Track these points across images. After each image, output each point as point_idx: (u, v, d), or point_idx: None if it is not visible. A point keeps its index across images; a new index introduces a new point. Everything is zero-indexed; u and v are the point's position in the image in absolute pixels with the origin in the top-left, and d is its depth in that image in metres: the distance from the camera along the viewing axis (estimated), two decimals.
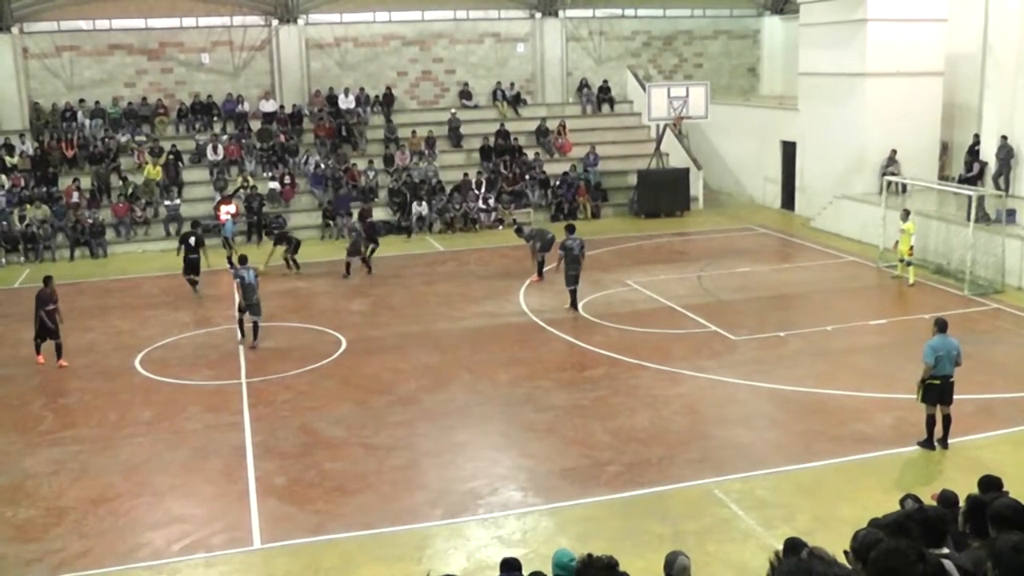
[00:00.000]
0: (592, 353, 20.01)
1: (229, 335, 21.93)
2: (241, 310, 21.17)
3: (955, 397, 14.52)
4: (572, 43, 41.88)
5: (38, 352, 20.40)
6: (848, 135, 31.46)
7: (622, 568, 6.86)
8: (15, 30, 35.43)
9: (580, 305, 22.96)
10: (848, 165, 31.61)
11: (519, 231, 27.93)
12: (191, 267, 25.90)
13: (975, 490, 8.19)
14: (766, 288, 24.98)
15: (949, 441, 14.62)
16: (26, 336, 22.36)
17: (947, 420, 14.58)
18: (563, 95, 41.66)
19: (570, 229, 23.61)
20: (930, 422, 14.57)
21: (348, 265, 27.30)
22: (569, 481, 14.06)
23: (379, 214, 34.11)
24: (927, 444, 14.61)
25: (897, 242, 24.78)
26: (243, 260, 21.71)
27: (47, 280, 20.90)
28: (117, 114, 36.22)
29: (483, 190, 34.89)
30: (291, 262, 28.03)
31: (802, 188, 34.70)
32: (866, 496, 12.83)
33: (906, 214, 24.62)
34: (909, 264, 24.62)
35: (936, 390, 14.39)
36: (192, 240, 26.09)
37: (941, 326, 14.59)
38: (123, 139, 35.43)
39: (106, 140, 35.18)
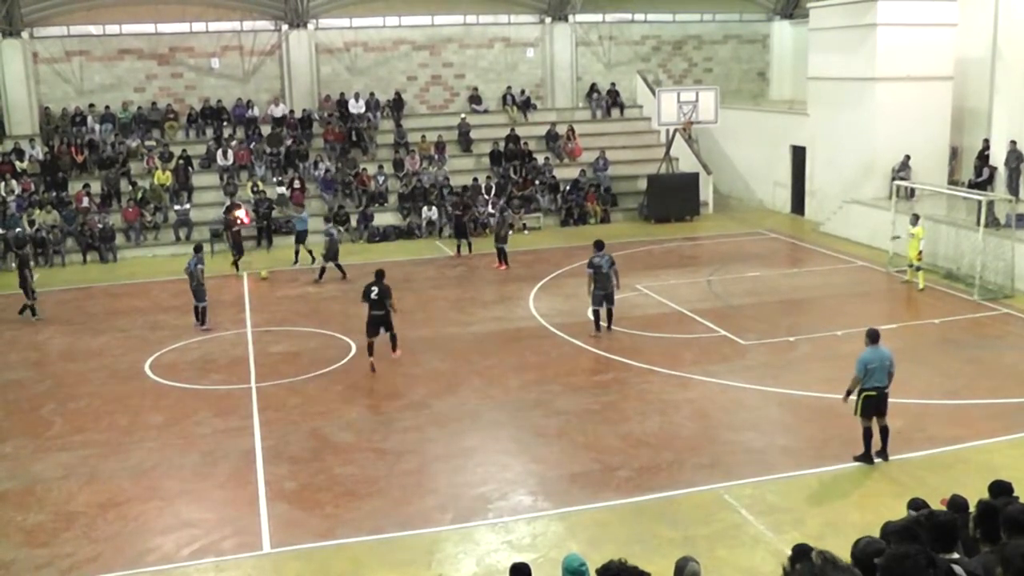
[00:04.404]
0: (602, 358, 20.00)
1: (238, 339, 22.00)
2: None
3: (967, 402, 14.49)
4: (582, 48, 41.91)
5: (371, 352, 19.47)
6: (858, 139, 31.41)
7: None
8: (25, 35, 35.58)
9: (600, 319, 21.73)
10: (858, 169, 31.55)
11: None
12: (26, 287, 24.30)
13: (986, 495, 8.17)
14: (776, 292, 24.93)
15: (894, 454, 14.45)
16: (37, 339, 22.52)
17: (884, 431, 14.35)
18: (573, 100, 41.68)
19: (598, 245, 21.45)
20: (867, 435, 14.29)
21: (325, 269, 27.57)
22: (579, 486, 14.04)
23: (388, 218, 34.26)
24: (864, 458, 14.35)
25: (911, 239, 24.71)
26: (198, 248, 23.54)
27: (382, 273, 20.00)
28: (127, 119, 36.32)
29: (493, 195, 34.90)
30: (235, 266, 28.87)
31: (812, 192, 34.64)
32: (876, 501, 12.81)
33: (915, 219, 24.57)
34: (919, 269, 24.57)
35: (872, 402, 14.17)
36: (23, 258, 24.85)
37: (872, 337, 14.34)
38: (133, 144, 35.53)
39: (116, 145, 35.31)
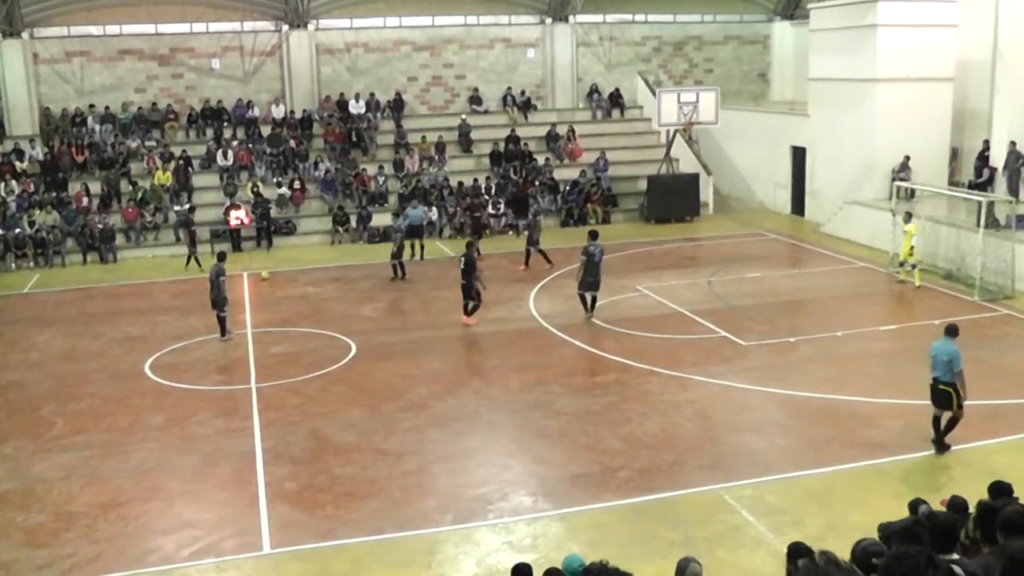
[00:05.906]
0: (603, 359, 19.99)
1: (239, 340, 21.99)
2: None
3: (967, 403, 14.48)
4: (582, 48, 41.91)
5: (468, 314, 22.55)
6: (858, 140, 31.41)
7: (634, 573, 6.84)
8: (25, 35, 35.58)
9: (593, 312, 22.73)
10: (858, 170, 31.55)
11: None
12: None
13: (985, 496, 8.17)
14: (776, 293, 24.93)
15: (949, 445, 14.70)
16: (37, 340, 22.52)
17: (934, 421, 14.66)
18: (573, 100, 41.68)
19: (593, 235, 22.88)
20: (935, 423, 14.64)
21: (396, 267, 27.50)
22: (580, 487, 14.04)
23: (388, 219, 34.22)
24: (938, 446, 14.69)
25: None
26: (221, 256, 22.73)
27: (472, 245, 23.15)
28: (127, 119, 36.32)
29: (493, 195, 34.89)
30: (195, 260, 29.29)
31: (812, 193, 34.64)
32: (877, 502, 12.79)
33: (908, 216, 24.69)
34: (913, 267, 24.61)
35: (932, 391, 14.57)
36: None
37: (947, 331, 14.66)
38: (133, 144, 35.53)
39: (116, 145, 35.30)
